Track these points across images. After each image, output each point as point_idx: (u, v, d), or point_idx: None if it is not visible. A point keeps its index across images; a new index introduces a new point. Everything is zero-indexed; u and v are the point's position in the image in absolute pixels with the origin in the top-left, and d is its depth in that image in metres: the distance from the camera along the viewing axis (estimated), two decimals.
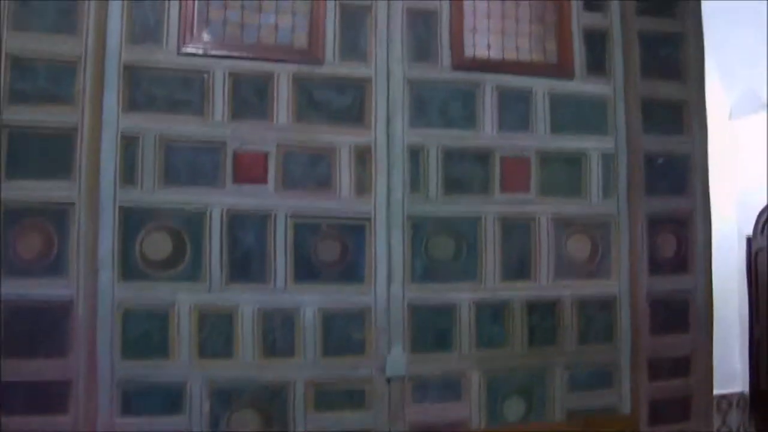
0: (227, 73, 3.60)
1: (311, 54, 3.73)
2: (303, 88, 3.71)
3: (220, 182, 3.55)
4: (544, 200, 3.99)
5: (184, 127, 3.53)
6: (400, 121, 3.80)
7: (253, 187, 3.59)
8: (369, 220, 3.72)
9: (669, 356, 4.14)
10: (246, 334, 3.51)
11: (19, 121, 3.32)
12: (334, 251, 3.68)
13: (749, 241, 6.23)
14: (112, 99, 3.43)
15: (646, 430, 4.06)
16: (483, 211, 3.89)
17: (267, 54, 3.68)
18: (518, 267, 3.94)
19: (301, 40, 3.75)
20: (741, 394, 6.46)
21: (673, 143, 4.23)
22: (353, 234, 3.71)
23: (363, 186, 3.73)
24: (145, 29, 3.53)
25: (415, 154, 3.81)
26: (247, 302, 3.52)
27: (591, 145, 4.07)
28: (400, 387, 3.70)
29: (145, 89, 3.51)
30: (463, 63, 3.92)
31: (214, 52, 3.61)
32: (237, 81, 3.62)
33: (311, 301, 3.60)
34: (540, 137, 4.00)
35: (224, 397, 3.48)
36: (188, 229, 3.50)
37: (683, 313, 4.19)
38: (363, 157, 3.74)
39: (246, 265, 3.56)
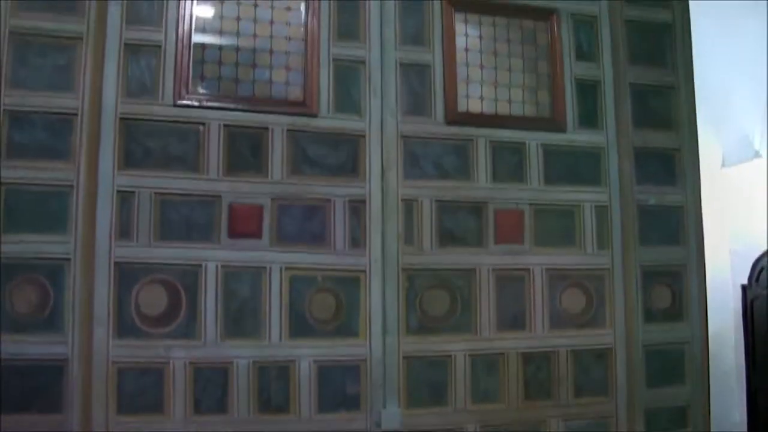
0: (222, 125, 3.64)
1: (306, 106, 3.78)
2: (297, 140, 3.74)
3: (215, 236, 3.57)
4: (538, 251, 4.00)
5: (180, 181, 3.56)
6: (394, 174, 3.82)
7: (247, 241, 3.60)
8: (364, 272, 3.73)
9: (666, 407, 4.12)
10: (241, 389, 3.50)
11: (15, 177, 3.34)
12: (328, 304, 3.69)
13: (744, 289, 6.20)
14: (107, 154, 3.47)
15: None
16: (477, 262, 3.90)
17: (262, 106, 3.73)
18: (513, 318, 3.94)
19: (295, 93, 3.80)
20: None
21: (666, 193, 4.26)
22: (348, 287, 3.72)
23: (357, 239, 3.75)
24: (140, 83, 3.58)
25: (409, 207, 3.84)
26: (242, 356, 3.52)
27: (584, 196, 4.10)
28: None
29: (140, 142, 3.54)
30: (456, 117, 3.96)
31: (209, 104, 3.65)
32: (232, 134, 3.66)
33: (306, 355, 3.59)
34: (534, 189, 4.03)
35: None
36: (183, 284, 3.50)
37: (679, 364, 4.18)
38: (357, 209, 3.76)
39: (241, 319, 3.56)
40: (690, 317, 4.23)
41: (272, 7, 3.81)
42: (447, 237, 3.88)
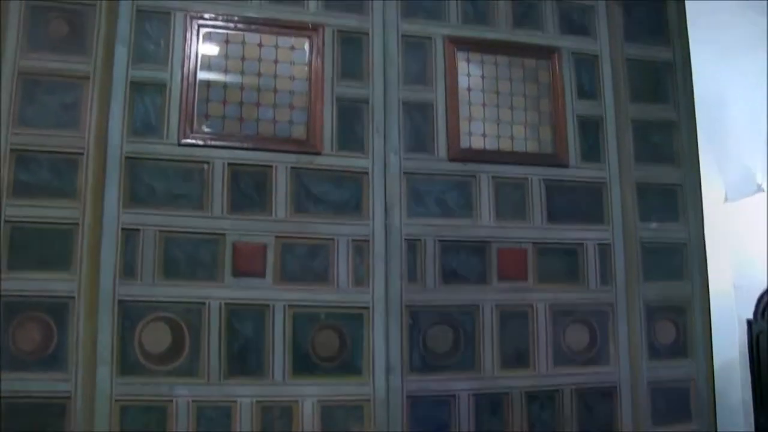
0: (227, 164, 3.67)
1: (309, 144, 3.80)
2: (301, 179, 3.77)
3: (219, 275, 3.58)
4: (541, 288, 3.99)
5: (184, 219, 3.57)
6: (397, 212, 3.84)
7: (251, 279, 3.61)
8: (367, 309, 3.73)
9: None
10: (244, 428, 3.48)
11: (21, 215, 3.37)
12: (332, 342, 3.68)
13: (750, 324, 6.17)
14: (112, 193, 3.49)
15: None
16: (480, 299, 3.89)
17: (266, 144, 3.76)
18: (517, 355, 3.92)
19: (299, 131, 3.83)
20: None
21: (669, 229, 4.26)
22: (351, 325, 3.71)
23: (361, 277, 3.75)
24: (146, 122, 3.61)
25: (413, 245, 3.84)
26: (245, 395, 3.50)
27: (588, 234, 4.10)
28: None
29: (145, 181, 3.57)
30: (459, 154, 3.98)
31: (213, 143, 3.68)
32: (236, 172, 3.68)
33: (309, 394, 3.58)
34: (536, 228, 4.03)
35: None
36: (187, 322, 3.50)
37: (685, 401, 4.15)
38: (361, 248, 3.77)
39: (244, 357, 3.55)
40: (695, 353, 4.20)
41: (276, 47, 3.86)
42: (450, 274, 3.87)
